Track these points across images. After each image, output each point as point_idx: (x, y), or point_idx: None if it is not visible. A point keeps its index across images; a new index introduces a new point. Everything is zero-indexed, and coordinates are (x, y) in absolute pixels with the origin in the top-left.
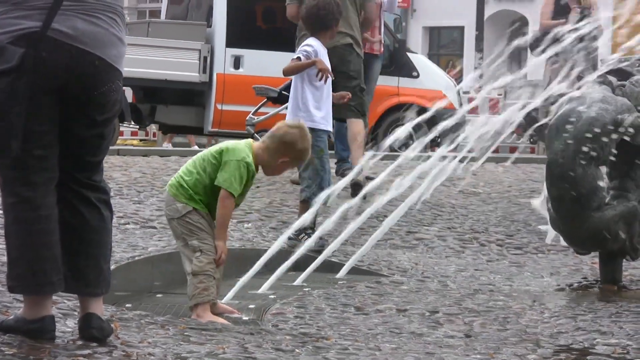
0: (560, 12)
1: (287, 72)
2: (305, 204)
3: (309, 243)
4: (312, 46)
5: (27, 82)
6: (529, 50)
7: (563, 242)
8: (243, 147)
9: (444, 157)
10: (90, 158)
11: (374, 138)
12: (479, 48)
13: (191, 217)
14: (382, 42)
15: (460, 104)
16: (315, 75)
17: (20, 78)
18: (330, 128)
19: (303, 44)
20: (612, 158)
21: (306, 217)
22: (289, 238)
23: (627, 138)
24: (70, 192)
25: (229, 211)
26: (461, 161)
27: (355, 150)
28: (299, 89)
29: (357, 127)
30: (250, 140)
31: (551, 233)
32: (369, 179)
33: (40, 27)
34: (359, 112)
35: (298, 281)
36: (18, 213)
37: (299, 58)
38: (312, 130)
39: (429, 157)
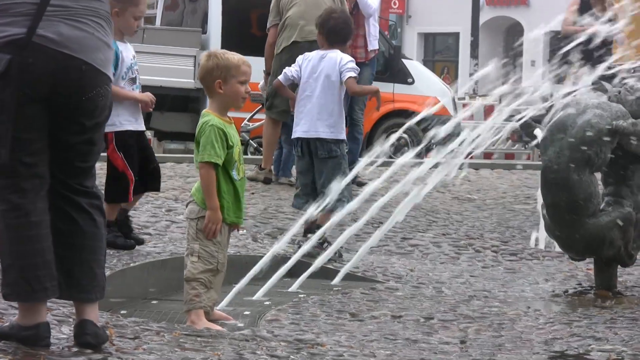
0: (586, 17)
1: (359, 93)
2: (330, 214)
3: (328, 253)
4: (354, 61)
5: (13, 89)
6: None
7: (558, 249)
8: (203, 119)
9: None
10: (81, 164)
11: (369, 144)
12: (474, 54)
13: (202, 222)
14: (369, 49)
15: (455, 110)
16: (369, 99)
17: (7, 85)
18: None
19: (346, 60)
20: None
21: (328, 227)
22: (314, 247)
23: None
24: (62, 198)
25: (208, 181)
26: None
27: None
28: (340, 104)
29: None
30: (204, 110)
31: (533, 237)
32: (361, 184)
33: (25, 34)
34: None
35: (293, 288)
36: (9, 220)
37: (355, 77)
38: (344, 142)
39: (422, 163)
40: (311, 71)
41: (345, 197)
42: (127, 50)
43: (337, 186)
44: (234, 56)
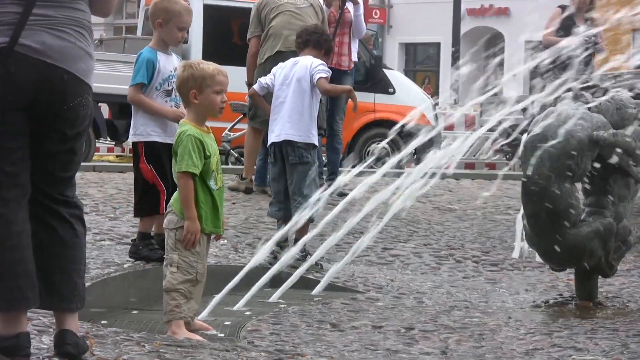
0: (566, 28)
1: (330, 92)
2: (309, 222)
3: (308, 264)
4: (326, 65)
5: None
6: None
7: (539, 259)
8: (180, 129)
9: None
10: (62, 173)
11: (349, 154)
12: (455, 64)
13: (180, 232)
14: (352, 58)
15: (436, 120)
16: (345, 103)
17: None
18: None
19: (317, 63)
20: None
21: (309, 235)
22: (296, 259)
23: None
24: (43, 208)
25: (186, 191)
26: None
27: None
28: (313, 106)
29: None
30: (182, 120)
31: (517, 248)
32: (342, 195)
33: (7, 43)
34: None
35: (274, 298)
36: None
37: (327, 78)
38: (315, 147)
39: (404, 173)
40: (284, 78)
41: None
42: (167, 62)
43: (312, 198)
44: (209, 66)
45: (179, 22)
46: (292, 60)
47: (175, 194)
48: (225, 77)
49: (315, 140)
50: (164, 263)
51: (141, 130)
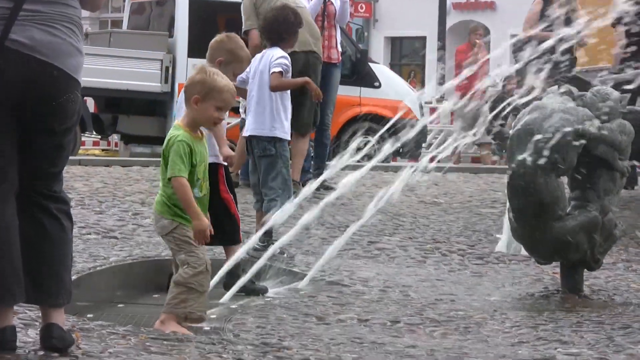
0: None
1: (278, 88)
2: (265, 213)
3: (270, 252)
4: (288, 58)
5: None
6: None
7: (524, 252)
8: (173, 132)
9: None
10: (50, 168)
11: (335, 148)
12: (440, 58)
13: (178, 232)
14: (340, 50)
15: (422, 114)
16: (310, 97)
17: None
18: None
19: (277, 56)
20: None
21: (272, 225)
22: (255, 249)
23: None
24: (31, 203)
25: (184, 193)
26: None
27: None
28: (274, 100)
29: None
30: (176, 122)
31: (502, 241)
32: (328, 188)
33: None
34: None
35: None
36: None
37: (280, 73)
38: (282, 140)
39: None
40: (254, 72)
41: (277, 197)
42: None
43: (273, 185)
44: (222, 80)
45: (238, 68)
46: (262, 52)
47: (158, 198)
48: (232, 96)
49: (279, 133)
50: (176, 265)
51: (215, 150)
